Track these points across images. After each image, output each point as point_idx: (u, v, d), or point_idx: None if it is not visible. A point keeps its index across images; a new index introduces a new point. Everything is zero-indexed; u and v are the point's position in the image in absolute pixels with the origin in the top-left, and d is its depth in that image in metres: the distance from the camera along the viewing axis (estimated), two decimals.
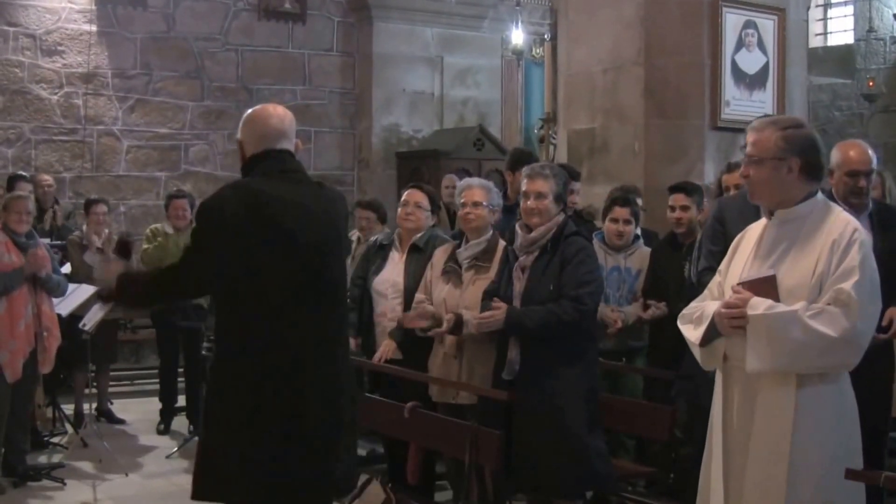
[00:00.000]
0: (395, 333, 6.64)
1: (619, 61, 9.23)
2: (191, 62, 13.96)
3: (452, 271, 6.33)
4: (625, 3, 9.17)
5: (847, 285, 3.87)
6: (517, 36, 14.88)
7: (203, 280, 4.39)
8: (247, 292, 4.24)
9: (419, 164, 14.48)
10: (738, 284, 4.08)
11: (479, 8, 15.41)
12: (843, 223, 4.03)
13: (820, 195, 4.16)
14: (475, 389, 5.98)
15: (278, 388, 4.21)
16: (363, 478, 6.48)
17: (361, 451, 8.55)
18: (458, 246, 6.42)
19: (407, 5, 14.88)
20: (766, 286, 4.00)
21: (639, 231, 7.49)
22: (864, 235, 4.03)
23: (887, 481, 4.15)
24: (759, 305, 3.95)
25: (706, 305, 4.21)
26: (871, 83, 16.95)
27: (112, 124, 13.53)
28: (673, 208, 7.18)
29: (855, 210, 5.97)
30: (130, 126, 13.61)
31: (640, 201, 7.70)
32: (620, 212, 7.26)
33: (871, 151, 5.96)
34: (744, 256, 4.22)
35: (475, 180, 6.67)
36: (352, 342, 6.74)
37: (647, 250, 7.37)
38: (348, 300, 5.34)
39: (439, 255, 6.50)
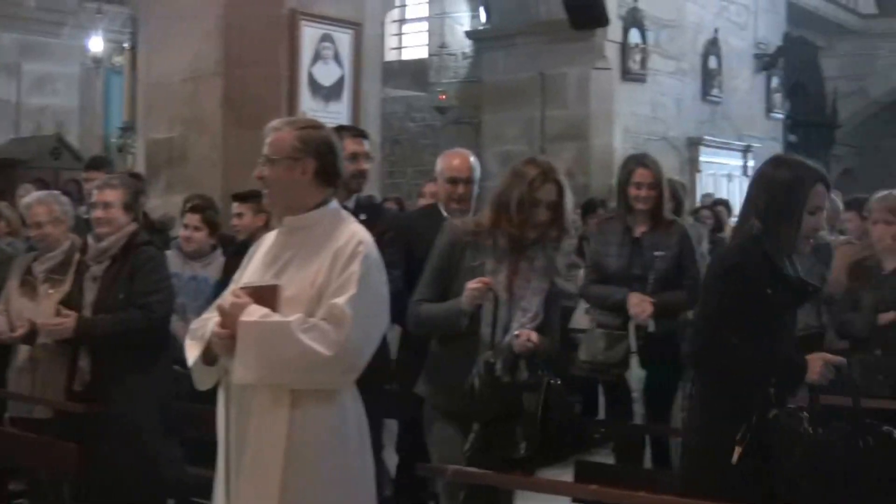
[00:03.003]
0: None
1: (198, 71, 9.25)
2: None
3: (28, 284, 6.19)
4: (205, 14, 9.20)
5: (342, 300, 3.69)
6: (97, 43, 14.65)
7: None
8: None
9: None
10: (240, 289, 3.88)
11: (59, 14, 14.98)
12: (348, 234, 3.86)
13: (333, 204, 4.00)
14: (49, 402, 5.87)
15: None
16: None
17: None
18: (36, 258, 6.29)
19: None
20: (268, 295, 3.79)
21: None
22: (369, 249, 3.86)
23: (455, 474, 4.43)
24: (254, 313, 3.72)
25: (210, 321, 3.91)
26: (442, 96, 17.74)
27: None
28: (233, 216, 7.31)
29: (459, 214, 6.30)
30: None
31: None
32: (191, 218, 7.22)
33: (473, 161, 6.33)
34: (255, 265, 4.01)
35: (34, 197, 6.53)
36: None
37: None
38: None
39: (16, 267, 6.34)
